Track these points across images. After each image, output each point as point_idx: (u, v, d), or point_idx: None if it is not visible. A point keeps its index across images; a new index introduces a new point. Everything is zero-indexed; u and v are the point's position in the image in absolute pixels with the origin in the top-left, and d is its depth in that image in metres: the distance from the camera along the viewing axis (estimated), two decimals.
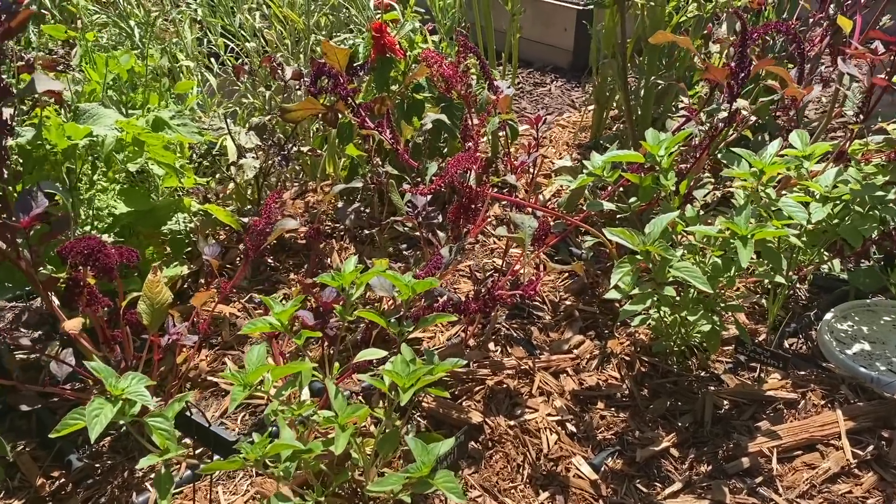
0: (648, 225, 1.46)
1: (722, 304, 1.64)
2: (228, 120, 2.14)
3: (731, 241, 1.46)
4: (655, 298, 1.49)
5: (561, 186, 2.34)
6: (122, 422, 1.23)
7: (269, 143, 2.07)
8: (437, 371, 1.31)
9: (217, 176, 2.18)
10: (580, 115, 3.34)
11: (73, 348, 1.50)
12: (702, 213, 1.57)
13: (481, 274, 1.90)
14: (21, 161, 1.64)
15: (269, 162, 2.10)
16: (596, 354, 1.87)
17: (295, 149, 2.13)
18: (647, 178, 1.62)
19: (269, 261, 2.23)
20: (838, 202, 1.75)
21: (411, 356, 1.32)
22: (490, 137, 2.42)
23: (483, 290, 1.54)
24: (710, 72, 1.54)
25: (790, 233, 1.47)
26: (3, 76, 1.25)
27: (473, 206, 1.60)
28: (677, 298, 1.61)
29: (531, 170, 2.01)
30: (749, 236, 1.45)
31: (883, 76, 1.79)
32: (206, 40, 2.60)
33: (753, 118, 1.73)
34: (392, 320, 1.32)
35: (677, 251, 1.45)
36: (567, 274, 2.19)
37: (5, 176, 1.30)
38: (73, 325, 1.33)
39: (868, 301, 2.04)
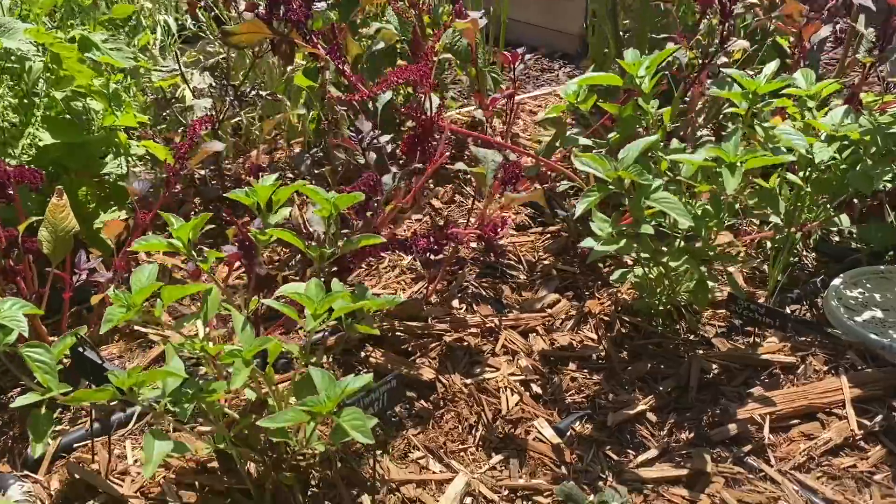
0: (623, 150, 1.26)
1: (711, 254, 1.44)
2: (182, 61, 1.98)
3: (719, 170, 1.26)
4: (633, 244, 1.30)
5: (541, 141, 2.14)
6: None
7: (223, 84, 1.90)
8: (367, 306, 1.13)
9: (169, 122, 2.01)
10: None
11: None
12: (686, 145, 1.38)
13: (441, 220, 1.71)
14: None
15: (224, 105, 1.93)
16: (572, 315, 1.67)
17: (253, 92, 1.96)
18: (627, 106, 1.42)
19: (224, 216, 2.06)
20: (847, 145, 1.54)
21: (341, 288, 1.13)
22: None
23: (434, 229, 1.35)
24: None
25: (787, 158, 1.27)
26: None
27: (429, 137, 1.42)
28: (661, 247, 1.42)
29: (507, 115, 1.81)
30: (738, 164, 1.25)
31: None
32: None
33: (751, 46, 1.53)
34: (312, 243, 1.13)
35: (656, 181, 1.26)
36: (549, 234, 1.99)
37: None
38: None
39: (882, 268, 1.83)
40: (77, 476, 1.23)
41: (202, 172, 2.12)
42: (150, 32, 2.24)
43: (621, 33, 2.04)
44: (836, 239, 1.99)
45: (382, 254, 1.83)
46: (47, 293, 1.34)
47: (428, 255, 1.33)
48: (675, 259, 1.38)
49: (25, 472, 1.26)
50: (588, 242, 1.39)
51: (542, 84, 4.08)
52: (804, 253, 1.95)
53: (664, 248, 1.44)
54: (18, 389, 1.46)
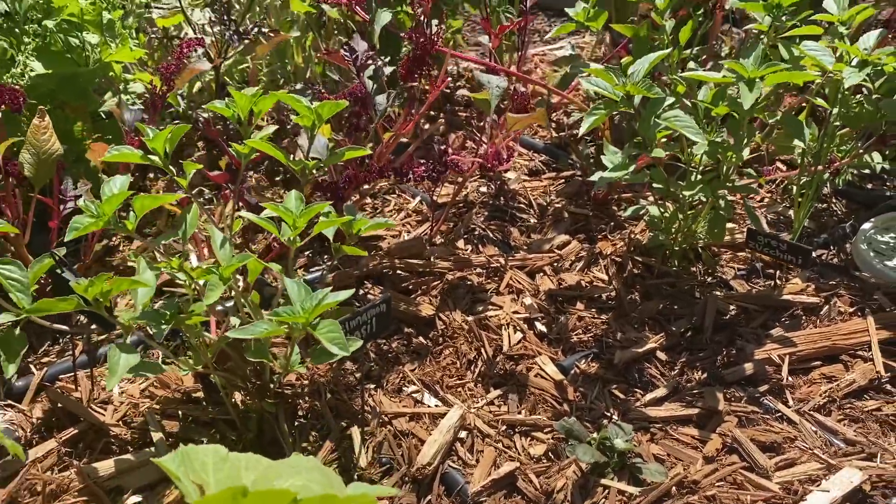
0: (632, 65, 1.17)
1: (729, 185, 1.35)
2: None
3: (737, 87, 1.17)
4: (645, 175, 1.22)
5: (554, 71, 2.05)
6: None
7: (223, 19, 1.83)
8: (357, 225, 1.06)
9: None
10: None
11: None
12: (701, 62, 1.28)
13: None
14: None
15: (224, 39, 1.86)
16: (582, 256, 1.59)
17: (255, 29, 1.89)
18: (642, 26, 1.33)
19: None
20: (880, 72, 1.43)
21: (328, 208, 1.07)
22: None
23: (433, 154, 1.28)
24: None
25: (812, 75, 1.17)
26: None
27: (429, 61, 1.34)
28: (676, 183, 1.33)
29: (519, 49, 1.72)
30: (757, 79, 1.15)
31: None
32: None
33: None
34: (295, 158, 1.06)
35: (668, 99, 1.17)
36: (563, 179, 1.91)
37: None
38: None
39: None
40: (59, 405, 1.18)
41: (205, 115, 2.07)
42: None
43: None
44: (869, 185, 1.88)
45: (382, 184, 1.77)
46: (31, 220, 1.29)
47: (426, 180, 1.25)
48: (689, 189, 1.29)
49: (8, 402, 1.23)
50: (598, 176, 1.31)
51: (557, 37, 3.98)
52: (833, 199, 1.84)
53: (680, 183, 1.36)
54: None
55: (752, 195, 1.78)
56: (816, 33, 1.44)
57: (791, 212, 1.75)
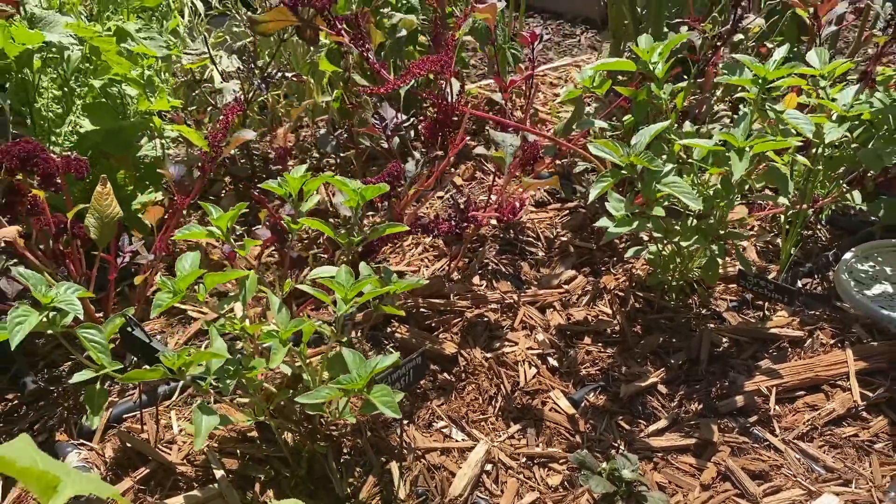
0: (635, 136, 1.32)
1: (722, 232, 1.50)
2: (210, 42, 2.04)
3: (729, 154, 1.31)
4: (646, 223, 1.36)
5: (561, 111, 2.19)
6: (50, 331, 1.15)
7: (250, 67, 1.97)
8: (393, 289, 1.21)
9: (198, 102, 2.09)
10: (598, 57, 3.17)
11: (25, 266, 1.43)
12: (698, 128, 1.42)
13: (462, 199, 1.78)
14: None
15: (251, 87, 2.00)
16: (588, 290, 1.74)
17: (279, 74, 2.02)
18: (641, 91, 1.47)
19: (254, 192, 2.14)
20: (858, 124, 1.58)
21: (369, 272, 1.21)
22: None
23: (455, 212, 1.42)
24: None
25: (793, 143, 1.32)
26: None
27: (450, 122, 1.48)
28: (674, 226, 1.48)
29: (527, 93, 1.86)
30: (747, 148, 1.30)
31: None
32: None
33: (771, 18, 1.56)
34: (341, 231, 1.21)
35: (667, 166, 1.31)
36: (567, 210, 2.05)
37: None
38: (8, 232, 1.25)
39: (894, 241, 1.87)
40: (129, 444, 1.33)
41: (232, 152, 2.20)
42: (178, 14, 2.30)
43: (638, 9, 2.07)
44: (852, 212, 2.03)
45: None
46: (94, 276, 1.43)
47: (450, 235, 1.40)
48: (686, 238, 1.44)
49: (81, 441, 1.37)
50: (603, 222, 1.45)
51: (563, 50, 4.11)
52: (818, 226, 1.99)
53: (676, 227, 1.50)
54: (69, 364, 1.57)
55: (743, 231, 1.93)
56: (800, 83, 1.59)
57: (779, 239, 1.90)
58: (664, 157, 1.40)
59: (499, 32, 2.02)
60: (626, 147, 1.31)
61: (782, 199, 1.39)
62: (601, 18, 4.10)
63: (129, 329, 1.27)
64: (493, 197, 1.75)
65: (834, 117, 1.54)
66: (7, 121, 1.35)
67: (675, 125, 1.55)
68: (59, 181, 1.36)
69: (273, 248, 1.43)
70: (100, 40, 1.49)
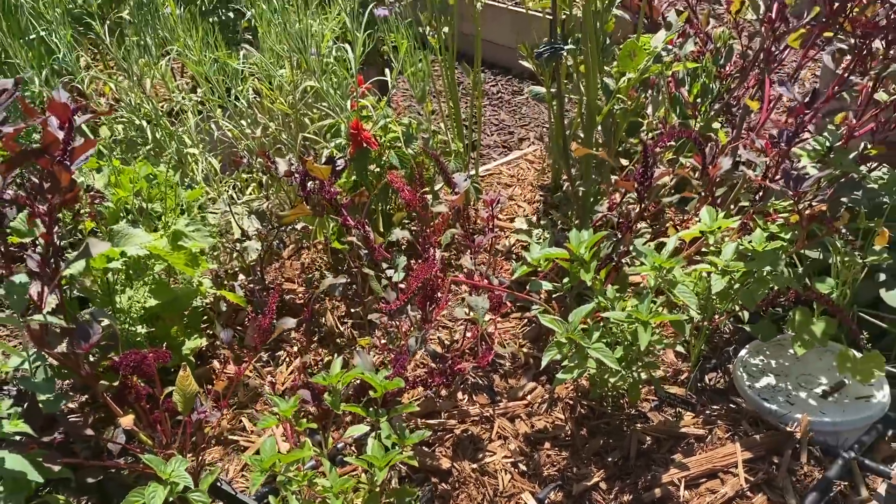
0: (571, 314, 1.85)
1: (640, 364, 2.04)
2: (230, 198, 2.52)
3: (633, 324, 1.86)
4: (584, 369, 1.90)
5: (517, 241, 2.72)
6: (170, 498, 1.64)
7: (268, 228, 2.46)
8: (407, 442, 1.72)
9: (223, 242, 2.57)
10: (544, 152, 3.70)
11: (123, 430, 1.91)
12: (618, 295, 1.96)
13: (443, 349, 2.29)
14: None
15: (269, 242, 2.49)
16: (546, 399, 2.27)
17: (290, 227, 2.52)
18: (575, 266, 2.01)
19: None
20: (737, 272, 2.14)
21: (388, 432, 1.72)
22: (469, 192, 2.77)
23: (445, 366, 1.94)
24: (620, 184, 1.92)
25: (684, 319, 1.86)
26: (59, 243, 1.63)
27: (436, 295, 2.00)
28: (603, 366, 2.02)
29: (489, 239, 2.38)
30: (650, 322, 1.84)
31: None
32: (205, 115, 2.96)
33: (668, 199, 2.11)
34: (370, 409, 1.72)
35: (595, 333, 1.85)
36: (526, 320, 2.59)
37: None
38: (127, 420, 1.73)
39: (779, 336, 2.43)
40: None
41: (252, 286, 2.69)
42: (195, 164, 2.78)
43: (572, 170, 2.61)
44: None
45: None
46: (180, 433, 1.92)
47: (442, 387, 1.91)
48: (613, 376, 1.98)
49: None
50: (549, 357, 1.97)
51: (513, 109, 4.68)
52: (721, 327, 2.55)
53: (607, 363, 2.04)
54: None
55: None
56: (696, 235, 2.14)
57: (693, 338, 2.46)
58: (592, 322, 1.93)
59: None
60: (565, 324, 1.84)
61: (679, 349, 1.94)
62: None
63: (217, 483, 1.76)
64: (468, 334, 2.27)
65: (719, 269, 2.09)
66: (118, 337, 1.82)
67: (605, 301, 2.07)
68: (151, 369, 1.85)
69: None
70: (171, 257, 1.97)
